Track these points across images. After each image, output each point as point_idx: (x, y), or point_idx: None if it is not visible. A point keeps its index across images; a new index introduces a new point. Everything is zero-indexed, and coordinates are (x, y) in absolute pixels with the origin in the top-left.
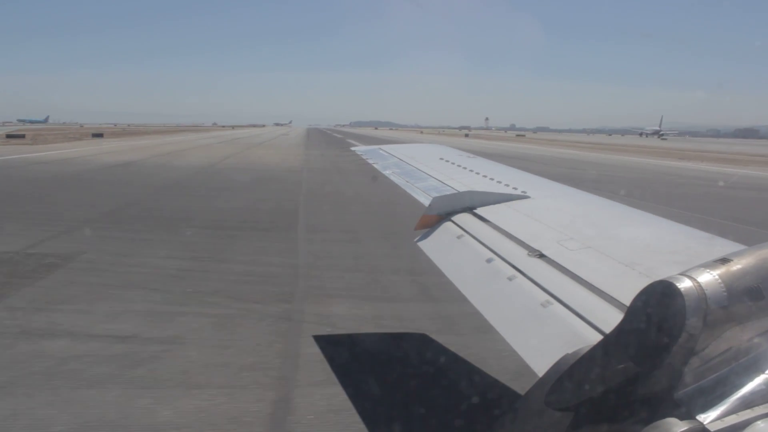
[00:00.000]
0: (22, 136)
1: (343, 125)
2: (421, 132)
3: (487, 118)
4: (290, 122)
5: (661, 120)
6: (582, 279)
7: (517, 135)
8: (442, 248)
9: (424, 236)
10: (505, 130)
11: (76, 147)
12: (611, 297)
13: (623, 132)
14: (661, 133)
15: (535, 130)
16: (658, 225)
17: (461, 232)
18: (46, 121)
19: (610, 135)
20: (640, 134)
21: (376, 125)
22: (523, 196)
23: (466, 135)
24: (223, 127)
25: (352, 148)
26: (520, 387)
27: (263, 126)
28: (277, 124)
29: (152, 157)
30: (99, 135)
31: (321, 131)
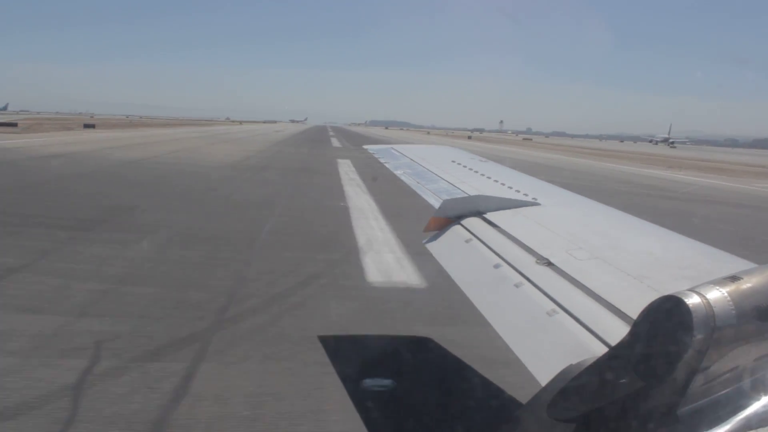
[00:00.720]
0: (15, 125)
1: (359, 124)
2: (428, 133)
3: (501, 121)
4: (306, 119)
5: (670, 128)
6: (589, 289)
7: (524, 138)
8: (450, 251)
9: (433, 238)
10: (516, 133)
11: (48, 137)
12: (618, 309)
13: (636, 139)
14: (671, 140)
15: (548, 135)
16: (668, 239)
17: (470, 236)
18: (5, 108)
19: (622, 141)
20: (650, 141)
21: (392, 125)
22: (533, 203)
23: (469, 137)
24: (233, 122)
25: (364, 146)
26: (523, 396)
27: (275, 122)
28: (292, 121)
29: (101, 149)
30: (91, 126)
31: (320, 129)
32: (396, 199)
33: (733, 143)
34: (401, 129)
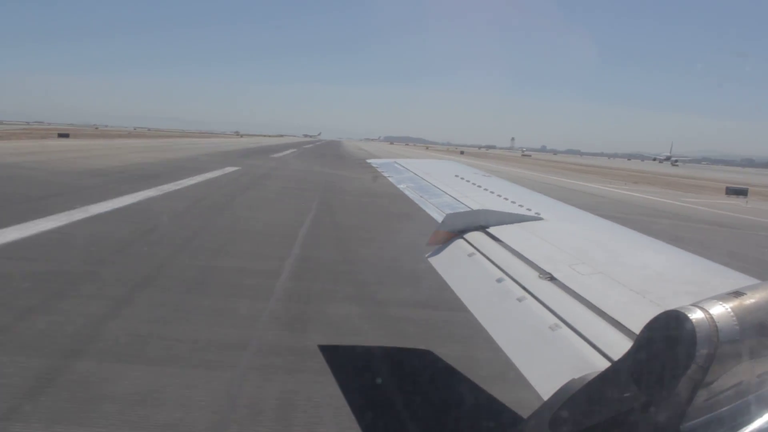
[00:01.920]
0: None
1: (373, 139)
2: (427, 148)
3: (512, 138)
4: (319, 134)
5: (671, 147)
6: (592, 304)
7: (523, 155)
8: (453, 265)
9: (436, 252)
10: (523, 150)
11: None
12: (621, 324)
13: (643, 157)
14: (674, 159)
15: (556, 153)
16: (671, 254)
17: (473, 250)
18: None
19: (629, 159)
20: (654, 159)
21: (408, 141)
22: (536, 218)
23: (462, 152)
24: (238, 135)
25: (368, 160)
26: (524, 410)
27: (282, 136)
28: (305, 135)
29: (3, 154)
30: (65, 135)
31: (309, 141)
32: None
33: (749, 163)
34: (406, 144)
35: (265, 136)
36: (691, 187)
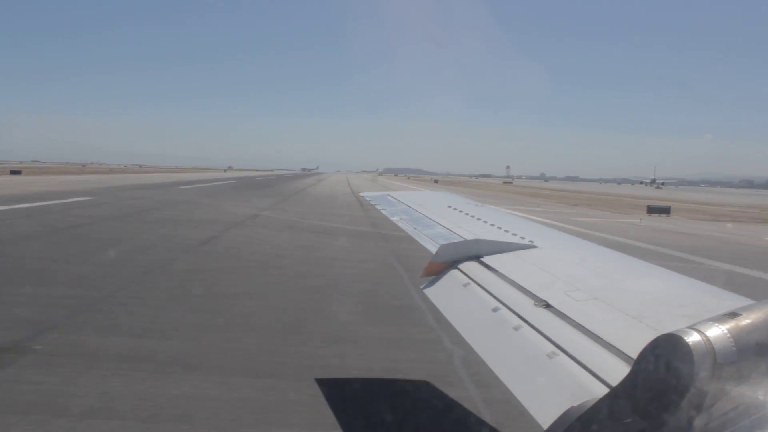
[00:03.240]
0: None
1: (371, 171)
2: (408, 178)
3: (508, 167)
4: (317, 167)
5: (655, 170)
6: (588, 330)
7: (504, 182)
8: (448, 296)
9: (430, 283)
10: (512, 178)
11: None
12: (618, 349)
13: (632, 182)
14: (659, 182)
15: (547, 179)
16: (666, 277)
17: (467, 280)
18: None
19: (619, 184)
20: (640, 183)
21: (405, 172)
22: (530, 246)
23: (436, 181)
24: (225, 170)
25: (361, 193)
26: None
27: (272, 171)
28: (303, 169)
29: None
30: (17, 172)
31: (256, 176)
32: None
33: (748, 184)
34: (395, 175)
35: (256, 170)
36: (627, 207)
